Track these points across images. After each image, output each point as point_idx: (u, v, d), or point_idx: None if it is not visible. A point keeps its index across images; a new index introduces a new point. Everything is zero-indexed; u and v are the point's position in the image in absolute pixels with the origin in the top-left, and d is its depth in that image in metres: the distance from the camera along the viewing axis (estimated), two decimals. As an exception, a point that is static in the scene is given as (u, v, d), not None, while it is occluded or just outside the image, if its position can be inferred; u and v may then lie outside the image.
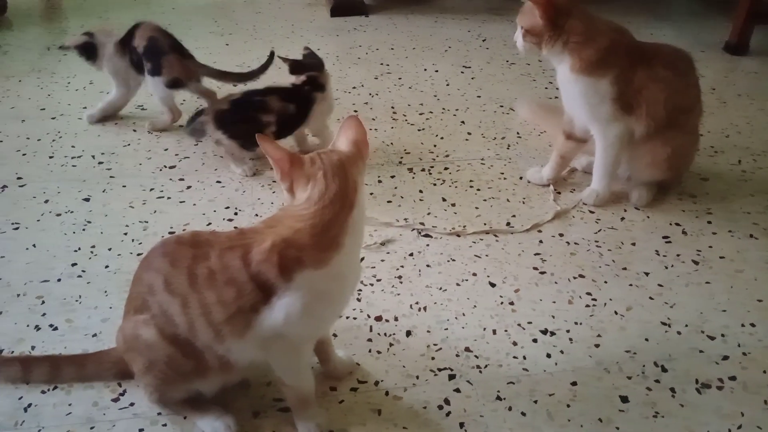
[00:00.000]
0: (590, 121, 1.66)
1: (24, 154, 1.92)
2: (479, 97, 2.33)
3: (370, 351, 1.29)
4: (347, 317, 1.36)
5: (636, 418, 1.17)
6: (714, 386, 1.23)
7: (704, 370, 1.27)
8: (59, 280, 1.45)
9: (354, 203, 1.01)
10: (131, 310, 1.10)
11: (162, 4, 3.20)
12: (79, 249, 1.54)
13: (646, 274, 1.51)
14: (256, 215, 1.67)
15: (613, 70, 1.58)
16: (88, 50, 2.02)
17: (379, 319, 1.37)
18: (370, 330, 1.34)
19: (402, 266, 1.52)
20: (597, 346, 1.32)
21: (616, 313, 1.40)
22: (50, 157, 1.91)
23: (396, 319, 1.37)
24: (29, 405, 1.16)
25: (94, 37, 2.02)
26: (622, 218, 1.70)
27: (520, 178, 1.86)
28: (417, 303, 1.41)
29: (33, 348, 1.28)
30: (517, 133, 2.09)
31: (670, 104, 1.61)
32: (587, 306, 1.42)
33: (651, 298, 1.44)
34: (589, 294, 1.45)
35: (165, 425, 1.13)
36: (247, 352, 1.05)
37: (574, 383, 1.23)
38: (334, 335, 1.30)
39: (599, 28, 1.60)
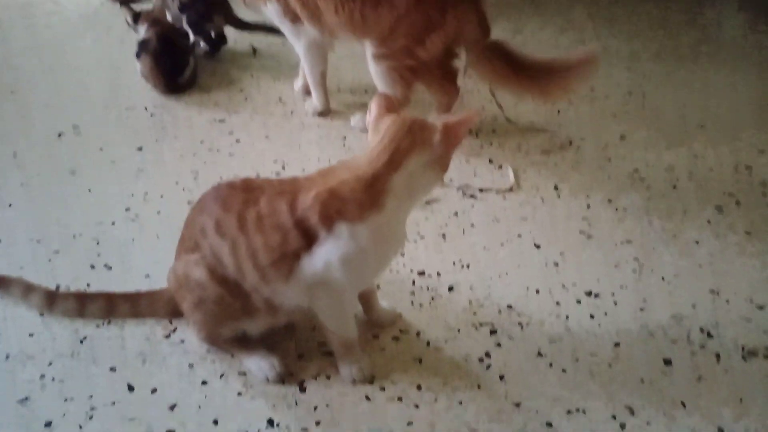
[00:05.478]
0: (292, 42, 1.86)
1: (81, 104, 1.97)
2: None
3: (412, 303, 1.31)
4: (390, 270, 1.37)
5: (679, 381, 1.16)
6: (761, 354, 1.21)
7: (751, 339, 1.24)
8: (113, 223, 1.50)
9: (400, 165, 1.00)
10: (183, 251, 1.14)
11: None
12: (133, 195, 1.59)
13: (697, 242, 1.48)
14: (303, 170, 1.68)
15: None
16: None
17: (422, 273, 1.38)
18: (413, 284, 1.35)
19: (446, 224, 1.52)
20: (642, 309, 1.30)
21: (663, 279, 1.38)
22: (105, 107, 1.96)
23: (438, 274, 1.38)
24: (84, 338, 1.21)
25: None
26: (674, 186, 1.66)
27: (570, 143, 1.83)
28: (460, 260, 1.42)
29: (88, 285, 1.33)
30: (570, 101, 2.05)
31: None
32: (634, 271, 1.40)
33: (700, 266, 1.42)
34: (636, 259, 1.43)
35: (213, 362, 1.17)
36: (292, 297, 1.07)
37: (617, 344, 1.23)
38: (378, 286, 1.31)
39: None
